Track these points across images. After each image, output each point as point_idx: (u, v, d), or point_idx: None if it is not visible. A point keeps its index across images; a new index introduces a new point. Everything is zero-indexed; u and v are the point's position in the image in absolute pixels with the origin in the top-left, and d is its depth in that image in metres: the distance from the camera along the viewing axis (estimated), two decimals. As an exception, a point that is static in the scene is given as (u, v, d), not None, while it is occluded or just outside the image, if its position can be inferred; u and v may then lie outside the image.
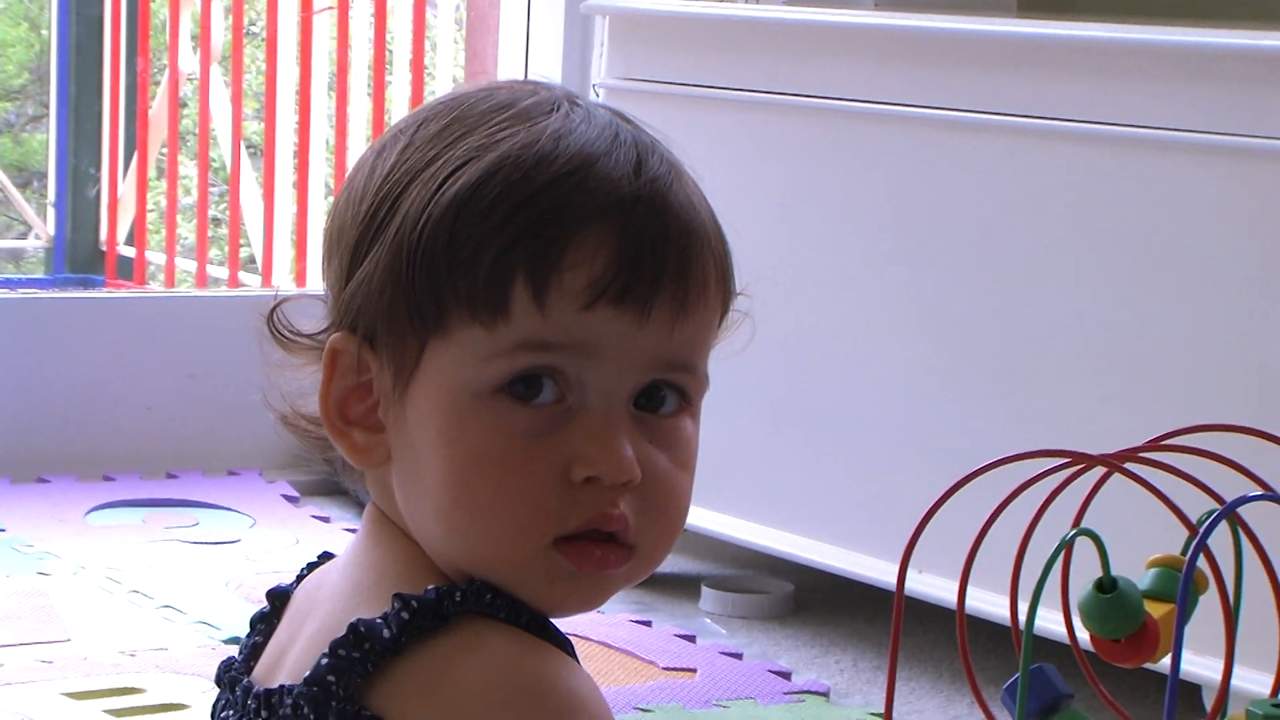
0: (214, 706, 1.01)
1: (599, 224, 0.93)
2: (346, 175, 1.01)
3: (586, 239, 0.93)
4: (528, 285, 0.92)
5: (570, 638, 0.95)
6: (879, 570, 2.23)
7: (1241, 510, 1.58)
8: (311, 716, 0.92)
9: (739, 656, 2.30)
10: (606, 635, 2.31)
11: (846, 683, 2.24)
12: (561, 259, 0.92)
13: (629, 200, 0.94)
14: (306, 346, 1.00)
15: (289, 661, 0.97)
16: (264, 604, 1.04)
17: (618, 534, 0.93)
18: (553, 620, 0.94)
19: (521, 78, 2.92)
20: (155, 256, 4.54)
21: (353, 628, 0.92)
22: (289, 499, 2.85)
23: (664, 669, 2.24)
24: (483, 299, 0.93)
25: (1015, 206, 2.16)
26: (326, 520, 2.77)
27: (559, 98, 0.98)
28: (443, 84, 4.20)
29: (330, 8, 4.11)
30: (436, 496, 0.94)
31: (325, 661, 0.92)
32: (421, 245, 0.94)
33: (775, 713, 2.12)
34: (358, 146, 4.06)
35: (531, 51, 3.00)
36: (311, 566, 1.03)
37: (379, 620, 0.92)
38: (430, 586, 0.93)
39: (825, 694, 2.19)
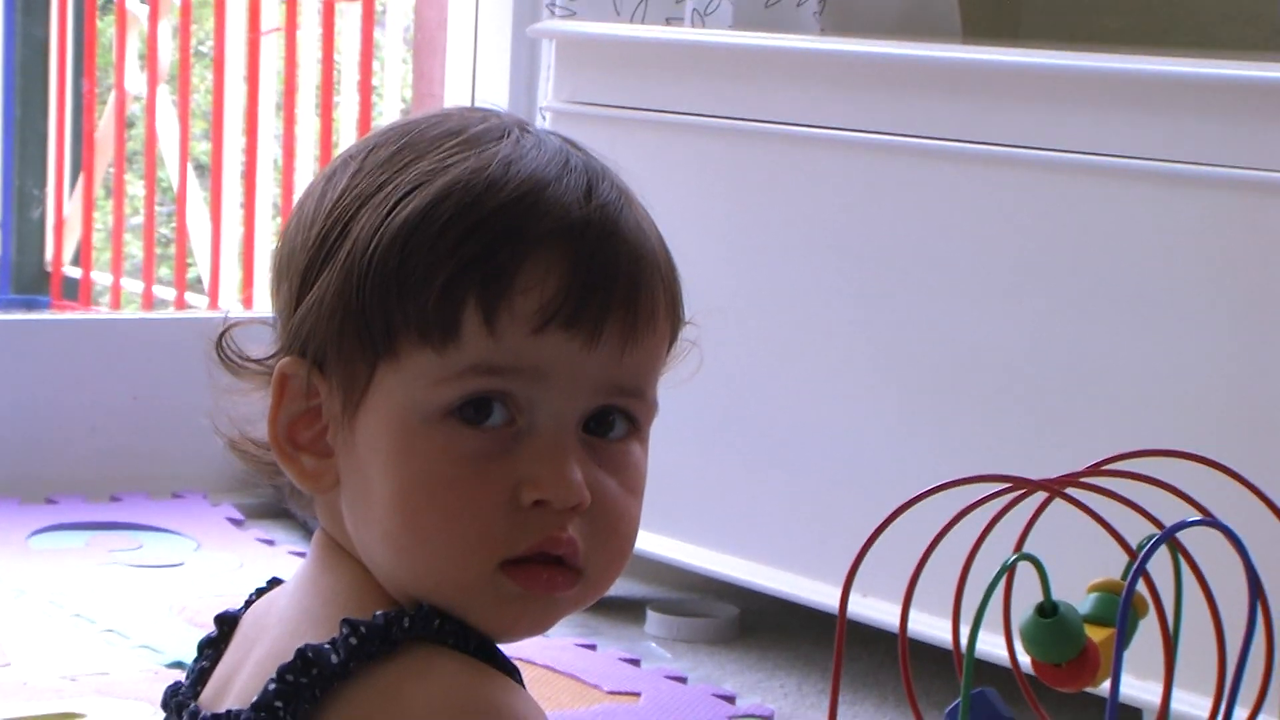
0: (160, 731, 1.02)
1: (549, 249, 0.94)
2: (296, 200, 1.01)
3: (537, 263, 0.93)
4: (478, 309, 0.93)
5: (515, 661, 0.95)
6: (824, 594, 2.24)
7: (1181, 535, 1.59)
8: (260, 741, 0.93)
9: (684, 680, 2.30)
10: (551, 659, 2.31)
11: (791, 707, 2.25)
12: (512, 283, 0.93)
13: (579, 225, 0.94)
14: (255, 371, 1.00)
15: (236, 686, 0.98)
16: (211, 629, 1.04)
17: (566, 557, 0.94)
18: (500, 646, 0.95)
19: (470, 103, 2.94)
20: (101, 277, 4.52)
21: (300, 653, 0.92)
22: (234, 522, 2.84)
23: (608, 693, 2.24)
24: (433, 322, 0.93)
25: (959, 232, 2.17)
26: (271, 543, 2.76)
27: (509, 124, 0.99)
28: (390, 104, 4.20)
29: (278, 29, 4.11)
30: (385, 520, 0.94)
31: (273, 687, 0.92)
32: (372, 269, 0.94)
33: (720, 736, 2.13)
34: (306, 167, 4.05)
35: (479, 74, 3.00)
36: (260, 592, 1.03)
37: (327, 646, 0.92)
38: (379, 612, 0.93)
39: (770, 718, 2.20)
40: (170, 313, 3.94)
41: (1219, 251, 1.95)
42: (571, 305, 0.93)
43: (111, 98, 4.50)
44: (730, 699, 2.25)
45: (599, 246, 0.94)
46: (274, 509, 2.88)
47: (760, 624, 2.50)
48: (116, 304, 4.40)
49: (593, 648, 2.40)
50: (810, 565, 2.28)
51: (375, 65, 4.09)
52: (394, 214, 0.94)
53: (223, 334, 1.01)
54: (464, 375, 0.93)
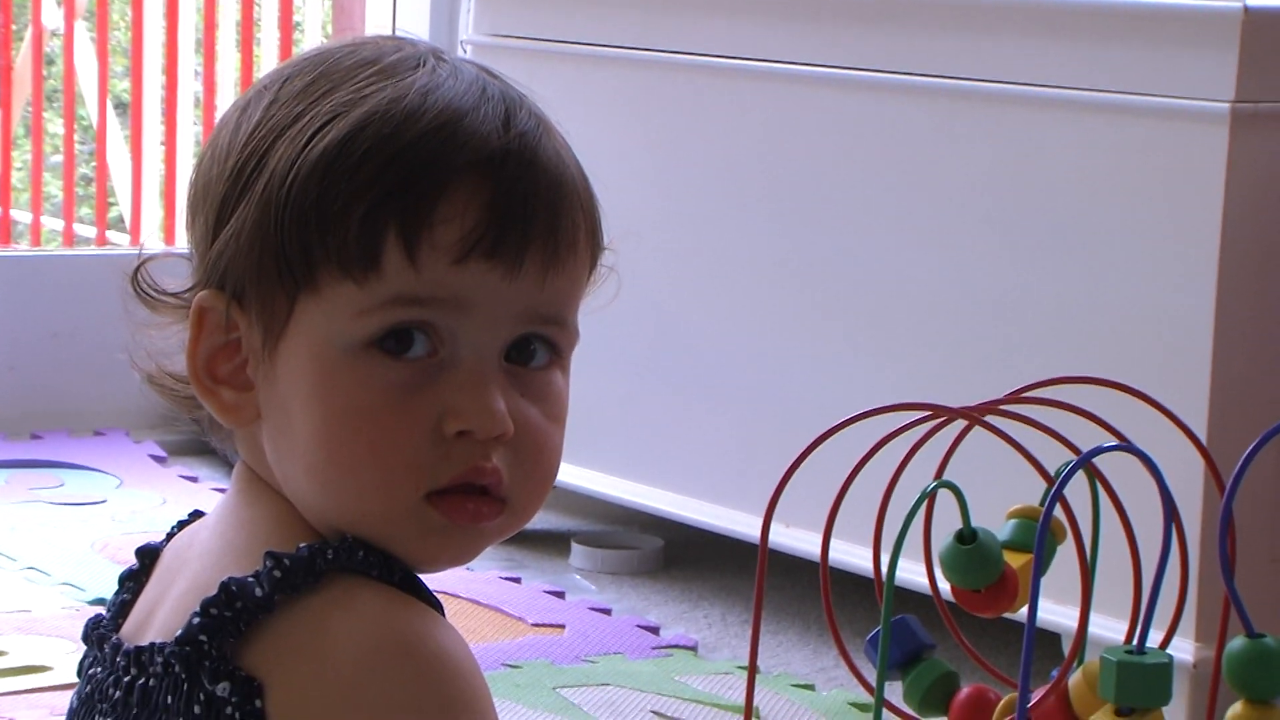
0: (80, 664, 1.01)
1: (469, 178, 0.93)
2: (211, 132, 1.00)
3: (457, 194, 0.93)
4: (399, 240, 0.92)
5: (440, 594, 0.95)
6: (747, 525, 2.24)
7: (1098, 461, 1.60)
8: (183, 675, 0.92)
9: (608, 612, 2.31)
10: (476, 592, 2.31)
11: (714, 637, 2.26)
12: (432, 214, 0.92)
13: (498, 155, 0.94)
14: (172, 305, 0.99)
15: (158, 620, 0.97)
16: (133, 562, 1.03)
17: (490, 487, 0.94)
18: (423, 579, 0.95)
19: (387, 34, 2.89)
20: (21, 215, 4.48)
21: (224, 586, 0.92)
22: (156, 459, 2.83)
23: (533, 625, 2.25)
24: (354, 255, 0.92)
25: (878, 162, 2.17)
26: (195, 480, 2.75)
27: (424, 53, 0.98)
28: (312, 40, 4.17)
29: (196, -38, 4.07)
30: (308, 453, 0.94)
31: (197, 620, 0.92)
32: (290, 202, 0.93)
33: (643, 667, 2.13)
34: (226, 104, 4.02)
35: (399, 7, 2.98)
36: (181, 525, 1.03)
37: (250, 578, 0.92)
38: (302, 544, 0.92)
39: (693, 648, 2.21)
40: (90, 249, 3.90)
41: (1135, 181, 1.96)
42: (492, 235, 0.93)
43: (28, 34, 4.46)
44: (654, 630, 2.26)
45: (519, 176, 0.94)
46: (197, 446, 2.87)
47: (684, 555, 2.51)
48: (36, 241, 4.36)
49: (518, 581, 2.40)
50: (733, 496, 2.28)
51: (295, 9, 4.06)
52: (311, 145, 0.94)
53: (138, 268, 1.00)
54: (385, 307, 0.92)
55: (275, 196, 0.94)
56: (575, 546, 2.50)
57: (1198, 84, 1.90)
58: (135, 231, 4.17)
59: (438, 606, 0.94)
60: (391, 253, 0.92)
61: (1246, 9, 1.87)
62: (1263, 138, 1.85)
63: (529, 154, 0.94)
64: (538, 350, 0.96)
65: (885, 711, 1.69)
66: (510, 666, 2.10)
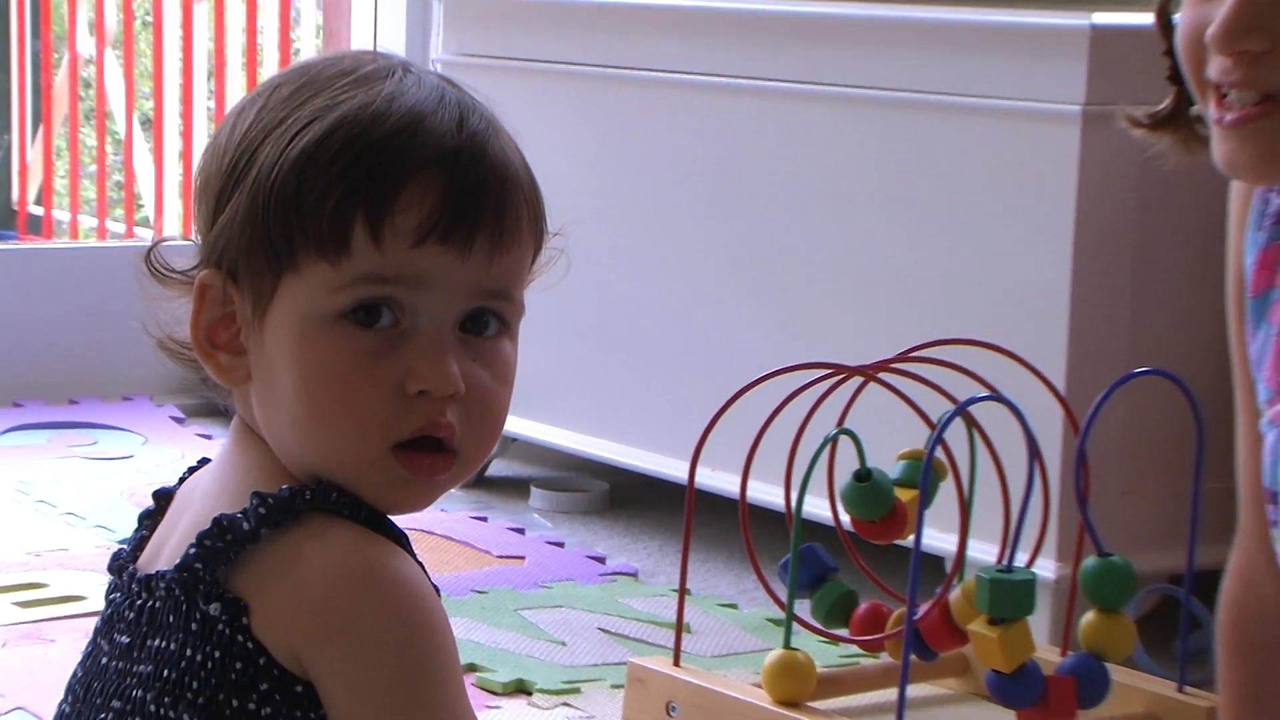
0: (107, 589, 1.01)
1: (426, 173, 0.92)
2: (211, 133, 1.00)
3: (416, 186, 0.92)
4: (366, 226, 0.92)
5: (418, 531, 0.95)
6: (679, 469, 2.24)
7: (973, 410, 1.61)
8: (182, 597, 0.92)
9: (561, 545, 2.31)
10: (449, 529, 2.31)
11: (653, 565, 2.26)
12: (394, 203, 0.92)
13: (452, 153, 0.93)
14: (179, 281, 0.98)
15: (166, 551, 0.97)
16: (150, 504, 1.03)
17: (445, 439, 0.93)
18: (390, 518, 0.94)
19: (367, 49, 2.88)
20: (61, 215, 4.46)
21: (216, 521, 0.92)
22: (176, 420, 2.82)
23: (497, 557, 2.24)
24: (327, 239, 0.92)
25: (788, 159, 2.17)
26: (209, 438, 2.74)
27: (394, 65, 0.97)
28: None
29: (207, -2, 4.05)
30: (290, 408, 0.93)
31: (193, 551, 0.92)
32: (274, 193, 0.93)
33: (592, 591, 2.13)
34: (233, 117, 3.98)
35: (379, 32, 2.97)
36: (191, 470, 1.02)
37: (240, 515, 0.92)
38: (284, 486, 0.92)
39: (634, 574, 2.21)
40: (119, 242, 3.88)
41: (1004, 173, 1.96)
42: (446, 222, 0.92)
43: (65, 60, 4.42)
44: (601, 560, 2.26)
45: (469, 171, 0.93)
46: (211, 408, 2.86)
47: (627, 497, 2.51)
48: (74, 235, 4.35)
49: (484, 520, 2.40)
50: (668, 445, 2.28)
51: (293, 35, 4.04)
52: (293, 144, 0.93)
53: (151, 249, 1.00)
54: (354, 284, 0.92)
55: (263, 188, 0.93)
56: (534, 490, 2.50)
57: (1054, 90, 1.90)
58: (158, 228, 4.15)
59: (403, 541, 0.93)
60: (359, 237, 0.91)
61: (1093, 26, 1.87)
62: (1109, 135, 1.85)
63: (479, 152, 0.94)
64: (489, 322, 0.95)
65: (795, 625, 1.69)
66: (478, 592, 2.09)
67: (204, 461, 1.02)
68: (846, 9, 2.14)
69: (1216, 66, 1.04)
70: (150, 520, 1.01)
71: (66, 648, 1.84)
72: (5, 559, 2.14)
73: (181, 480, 1.02)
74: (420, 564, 0.93)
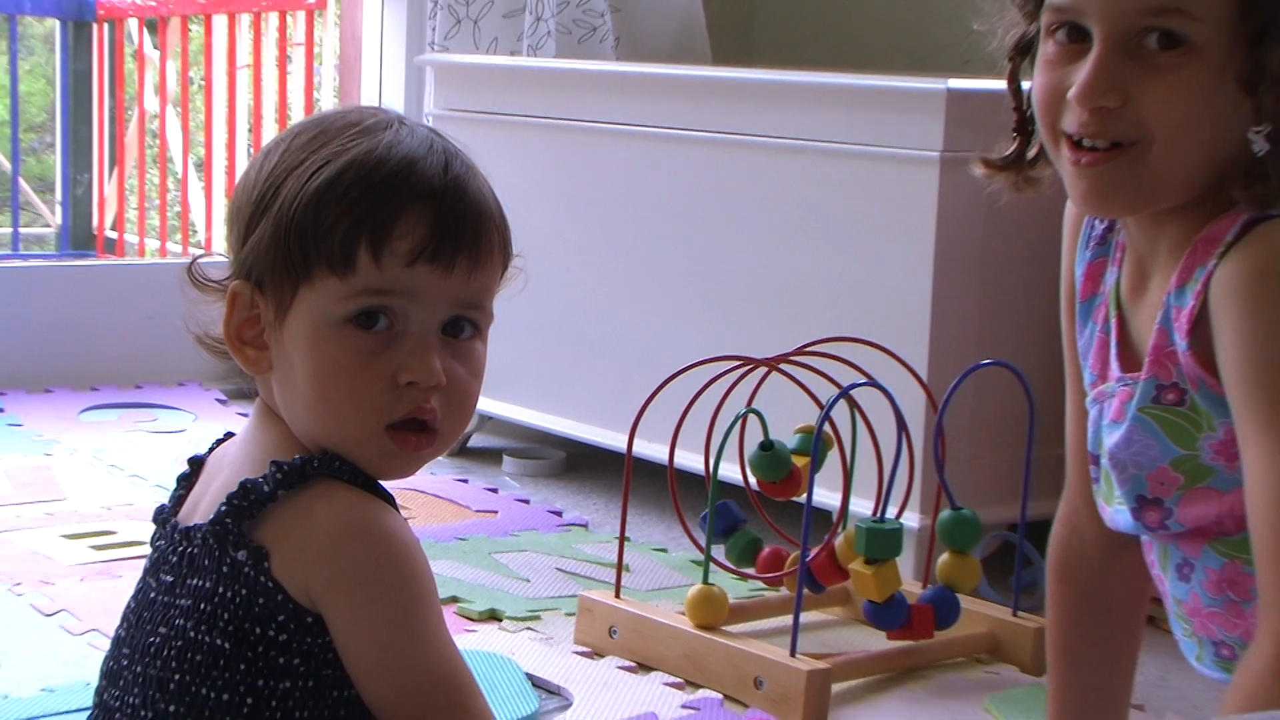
0: (152, 537, 1.00)
1: (418, 207, 0.93)
2: (243, 170, 1.00)
3: (409, 217, 0.92)
4: (369, 249, 0.92)
5: (412, 491, 0.94)
6: (621, 441, 2.23)
7: (855, 393, 1.61)
8: (214, 545, 0.92)
9: (527, 502, 2.29)
10: (436, 489, 2.29)
11: (601, 518, 2.25)
12: (392, 231, 0.92)
13: (439, 191, 0.93)
14: (215, 289, 0.99)
15: (202, 508, 0.96)
16: (187, 468, 1.01)
17: (429, 421, 0.93)
18: (382, 482, 0.94)
19: (372, 105, 2.87)
20: (131, 238, 4.45)
21: (242, 484, 0.92)
22: (220, 401, 2.79)
23: (475, 511, 2.23)
24: (337, 258, 0.92)
25: (711, 191, 2.16)
26: (247, 415, 2.69)
27: (392, 119, 0.97)
28: (325, 115, 4.12)
29: (248, 65, 4.03)
30: (304, 394, 0.93)
31: (223, 508, 0.92)
32: (295, 220, 0.93)
33: (551, 539, 2.12)
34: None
35: (384, 90, 2.96)
36: (219, 441, 1.02)
37: (261, 479, 0.92)
38: (297, 456, 0.92)
39: (585, 525, 2.20)
40: (176, 259, 3.86)
41: (879, 206, 1.96)
42: (434, 247, 0.93)
43: (134, 115, 4.42)
44: (559, 514, 2.24)
45: (453, 206, 0.94)
46: (249, 392, 2.82)
47: (580, 463, 2.50)
48: (141, 255, 4.34)
49: (465, 481, 2.38)
50: (613, 421, 2.28)
51: (316, 95, 4.03)
52: (310, 181, 0.93)
53: (192, 263, 1.00)
54: (358, 295, 0.92)
55: (285, 216, 0.93)
56: (505, 458, 2.48)
57: (919, 139, 1.90)
58: (209, 249, 4.13)
59: (391, 501, 0.93)
60: (363, 257, 0.91)
61: (949, 89, 1.87)
62: (962, 176, 1.85)
63: (461, 191, 0.94)
64: (465, 327, 0.95)
65: (712, 565, 1.69)
66: (460, 539, 2.08)
67: (229, 435, 1.02)
68: (755, 75, 2.13)
69: (1074, 119, 1.04)
70: (186, 481, 1.01)
71: (131, 583, 1.81)
72: (83, 511, 2.12)
73: (211, 449, 1.01)
74: (404, 519, 0.92)
